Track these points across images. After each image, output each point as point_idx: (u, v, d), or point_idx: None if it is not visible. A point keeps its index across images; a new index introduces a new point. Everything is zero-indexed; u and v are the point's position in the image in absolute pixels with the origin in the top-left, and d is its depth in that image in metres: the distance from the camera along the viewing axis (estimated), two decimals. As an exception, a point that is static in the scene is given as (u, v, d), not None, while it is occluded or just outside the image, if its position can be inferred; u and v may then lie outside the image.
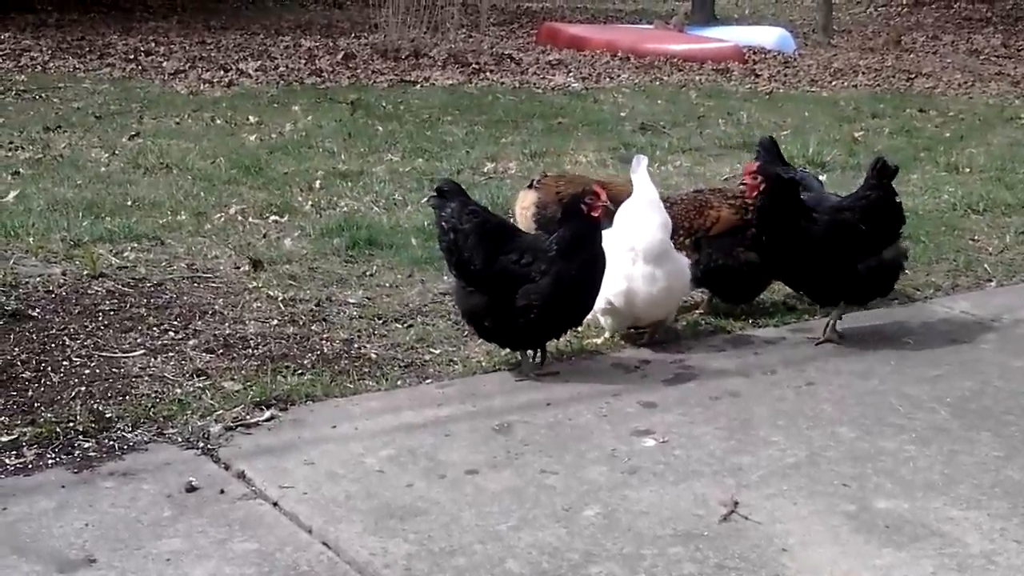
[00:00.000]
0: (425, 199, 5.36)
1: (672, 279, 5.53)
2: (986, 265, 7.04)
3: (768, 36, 17.84)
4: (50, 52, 15.06)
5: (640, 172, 5.61)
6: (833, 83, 14.67)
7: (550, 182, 6.52)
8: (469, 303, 5.23)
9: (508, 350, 5.37)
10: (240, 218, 7.60)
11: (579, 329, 5.59)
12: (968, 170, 9.54)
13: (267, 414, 4.78)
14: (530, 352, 5.32)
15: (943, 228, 7.72)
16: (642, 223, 5.51)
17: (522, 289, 5.11)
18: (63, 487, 4.16)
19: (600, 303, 5.42)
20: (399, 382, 5.18)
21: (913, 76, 15.22)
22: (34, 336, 5.45)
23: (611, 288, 5.42)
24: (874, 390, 5.17)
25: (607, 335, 5.67)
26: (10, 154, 9.30)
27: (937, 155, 10.09)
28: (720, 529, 3.95)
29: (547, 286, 5.09)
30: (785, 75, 15.17)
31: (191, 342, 5.51)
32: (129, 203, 7.81)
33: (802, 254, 5.58)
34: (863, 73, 15.42)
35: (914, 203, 8.08)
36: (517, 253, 5.16)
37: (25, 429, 4.54)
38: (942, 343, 5.76)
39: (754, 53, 16.71)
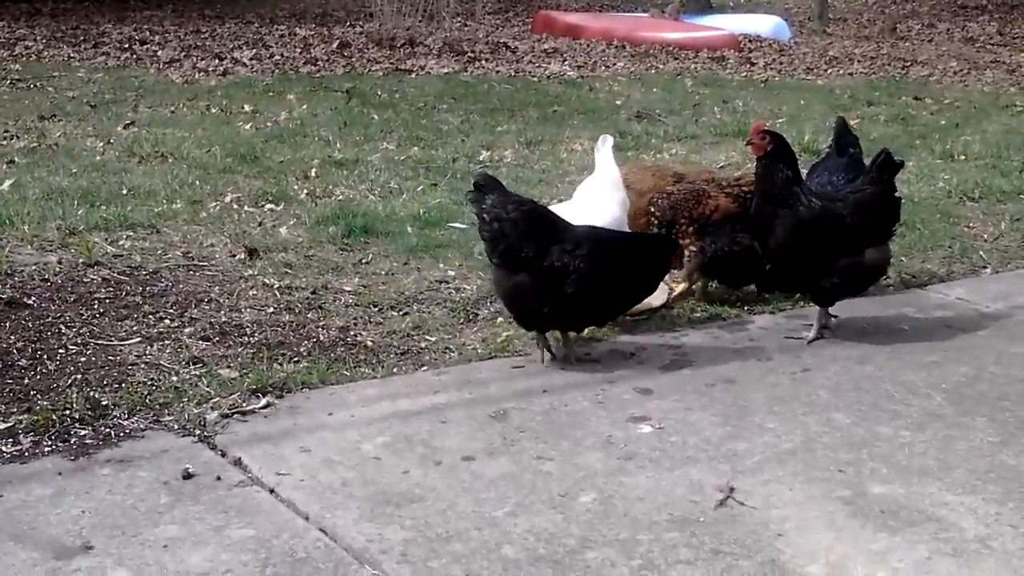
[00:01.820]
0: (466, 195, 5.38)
1: None
2: (981, 252, 7.05)
3: (764, 24, 17.83)
4: (45, 41, 15.02)
5: (605, 151, 5.71)
6: (829, 71, 14.67)
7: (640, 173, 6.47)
8: (514, 290, 5.20)
9: (530, 333, 5.36)
10: (236, 206, 7.59)
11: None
12: (963, 158, 9.54)
13: (263, 401, 4.79)
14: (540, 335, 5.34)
15: (938, 215, 7.72)
16: (602, 201, 5.58)
17: (571, 277, 5.11)
18: (60, 474, 4.16)
19: None
20: (395, 369, 5.19)
21: (909, 64, 15.21)
22: (30, 324, 5.45)
23: None
24: (870, 376, 5.18)
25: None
26: (5, 143, 9.28)
27: (932, 143, 10.09)
28: (716, 515, 3.96)
29: (596, 274, 5.12)
30: (781, 63, 15.16)
31: (187, 330, 5.51)
32: (124, 192, 7.80)
33: (784, 233, 5.49)
34: (858, 61, 15.41)
35: (910, 190, 8.09)
36: (568, 242, 5.17)
37: (21, 417, 4.54)
38: (938, 329, 5.77)
39: (750, 41, 16.70)
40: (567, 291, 5.10)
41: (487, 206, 5.21)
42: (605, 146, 5.77)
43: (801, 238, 5.48)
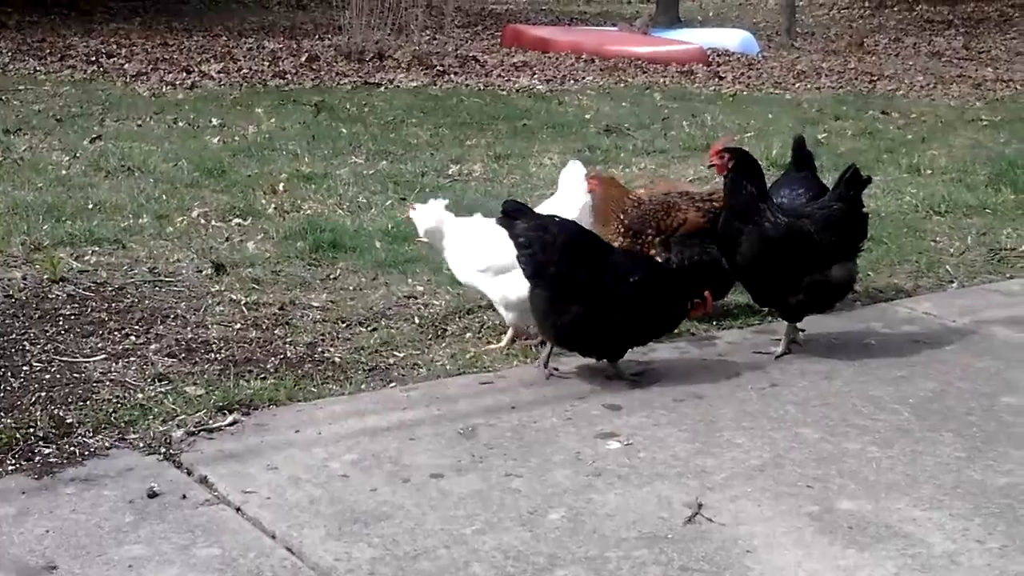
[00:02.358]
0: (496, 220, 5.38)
1: None
2: (948, 266, 7.09)
3: (732, 38, 17.91)
4: (10, 54, 14.92)
5: (572, 176, 5.65)
6: (796, 85, 14.74)
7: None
8: (555, 313, 5.16)
9: (589, 358, 5.35)
10: (203, 221, 7.55)
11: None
12: (930, 172, 9.60)
13: (230, 419, 4.75)
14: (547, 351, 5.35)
15: (905, 230, 7.76)
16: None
17: (616, 300, 5.12)
18: (23, 493, 4.12)
19: (513, 296, 5.45)
20: (363, 386, 5.16)
21: (876, 78, 15.31)
22: (-7, 341, 5.40)
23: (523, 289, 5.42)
24: (838, 391, 5.19)
25: (505, 339, 5.65)
26: (-31, 157, 9.20)
27: (899, 157, 10.15)
28: (684, 531, 3.96)
29: (642, 299, 5.17)
30: (749, 77, 15.23)
31: (153, 346, 5.47)
32: (90, 206, 7.75)
33: (749, 249, 5.49)
34: (826, 75, 15.50)
35: (876, 205, 8.12)
36: (615, 266, 5.20)
37: (-16, 435, 4.49)
38: (905, 344, 5.79)
39: (718, 55, 16.77)
40: (612, 314, 5.12)
41: (519, 230, 5.17)
42: (573, 171, 5.70)
43: (767, 254, 5.48)
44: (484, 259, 5.55)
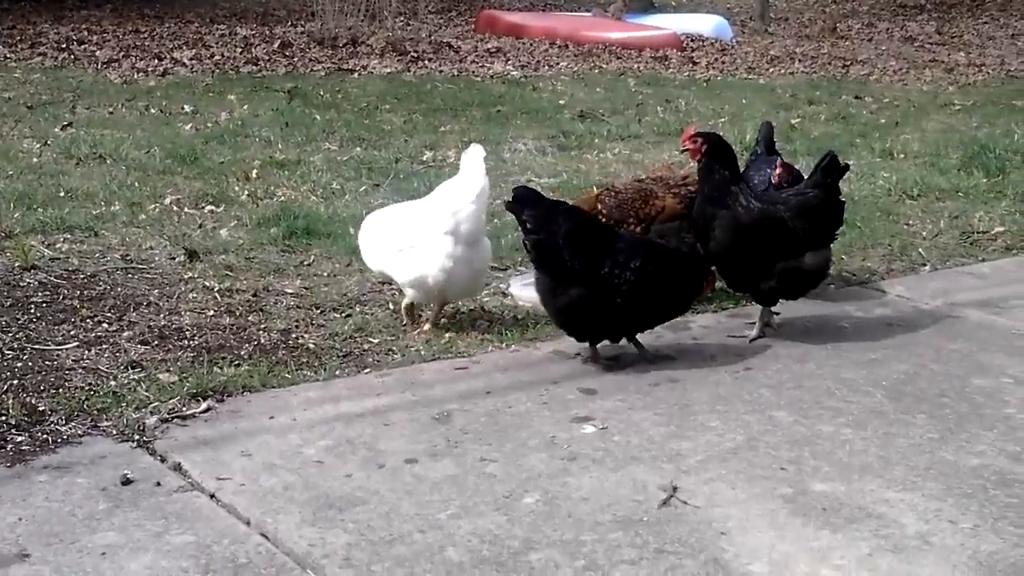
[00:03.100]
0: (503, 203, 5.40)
1: (483, 264, 5.65)
2: (920, 250, 7.12)
3: (706, 24, 17.88)
4: (-20, 41, 14.79)
5: (473, 158, 5.64)
6: (770, 70, 14.75)
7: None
8: (563, 299, 5.18)
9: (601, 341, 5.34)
10: (175, 208, 7.51)
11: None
12: (903, 156, 9.63)
13: (203, 405, 4.74)
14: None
15: (878, 213, 7.79)
16: (467, 208, 5.50)
17: (623, 285, 5.13)
18: (-5, 482, 4.10)
19: (412, 276, 5.51)
20: (337, 372, 5.16)
21: (849, 63, 15.33)
22: (-36, 329, 5.36)
23: (431, 266, 5.48)
24: (811, 374, 5.21)
25: (426, 322, 5.69)
26: (-61, 145, 9.13)
27: (872, 141, 10.17)
28: (659, 514, 3.97)
29: (649, 282, 5.18)
30: (723, 63, 15.23)
31: (126, 334, 5.45)
32: (62, 194, 7.70)
33: (722, 234, 5.49)
34: (800, 60, 15.51)
35: (850, 188, 8.13)
36: (620, 252, 5.19)
37: (-45, 424, 4.46)
38: (878, 327, 5.82)
39: (692, 41, 16.76)
40: (619, 300, 5.14)
41: (527, 216, 5.18)
42: (474, 155, 5.66)
43: (738, 240, 5.47)
44: (392, 240, 5.61)
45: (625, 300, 5.16)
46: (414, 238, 5.54)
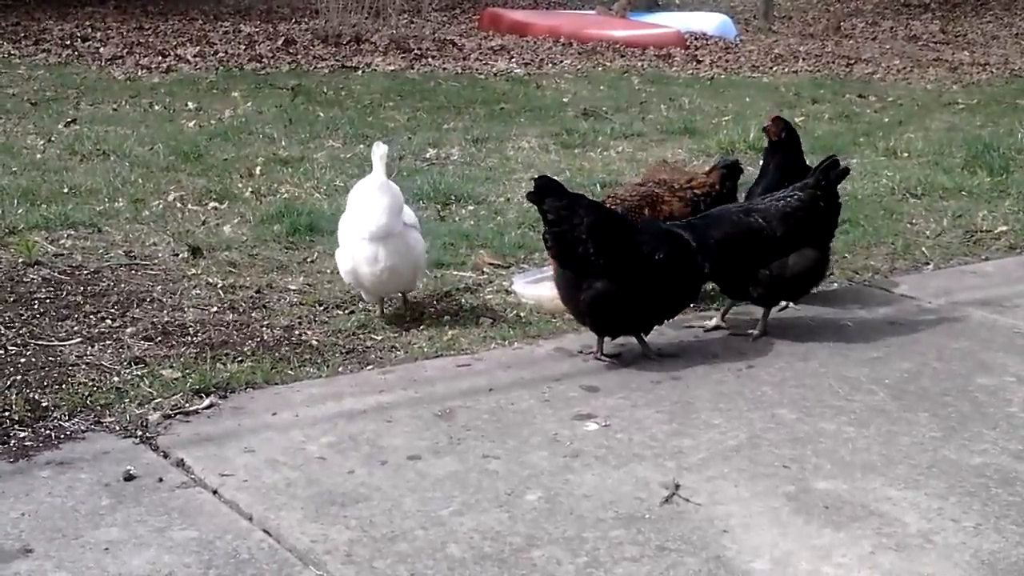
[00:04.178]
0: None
1: (395, 258, 5.51)
2: (924, 248, 7.12)
3: (709, 22, 17.87)
4: (-16, 38, 14.81)
5: (376, 155, 5.62)
6: (774, 69, 14.74)
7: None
8: (589, 294, 5.15)
9: (603, 335, 5.35)
10: (179, 205, 7.52)
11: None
12: (906, 155, 9.62)
13: (206, 402, 4.74)
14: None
15: (882, 212, 7.79)
16: (370, 206, 5.51)
17: (650, 276, 5.16)
18: (-2, 477, 4.10)
19: (342, 274, 5.65)
20: (340, 368, 5.16)
21: (853, 62, 15.32)
22: (-32, 325, 5.37)
23: (341, 265, 5.60)
24: (814, 372, 5.21)
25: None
26: (-57, 141, 9.14)
27: (876, 140, 10.17)
28: (661, 512, 3.97)
29: (674, 271, 5.23)
30: (726, 61, 15.22)
31: (129, 330, 5.45)
32: (65, 190, 7.71)
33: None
34: (803, 59, 15.50)
35: (853, 187, 8.14)
36: (643, 244, 5.21)
37: (-41, 419, 4.47)
38: (881, 325, 5.82)
39: (696, 39, 16.75)
40: (645, 293, 5.17)
41: (549, 206, 5.14)
42: (379, 152, 5.63)
43: (720, 250, 5.46)
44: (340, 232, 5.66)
45: (653, 291, 5.17)
46: (340, 238, 5.65)
